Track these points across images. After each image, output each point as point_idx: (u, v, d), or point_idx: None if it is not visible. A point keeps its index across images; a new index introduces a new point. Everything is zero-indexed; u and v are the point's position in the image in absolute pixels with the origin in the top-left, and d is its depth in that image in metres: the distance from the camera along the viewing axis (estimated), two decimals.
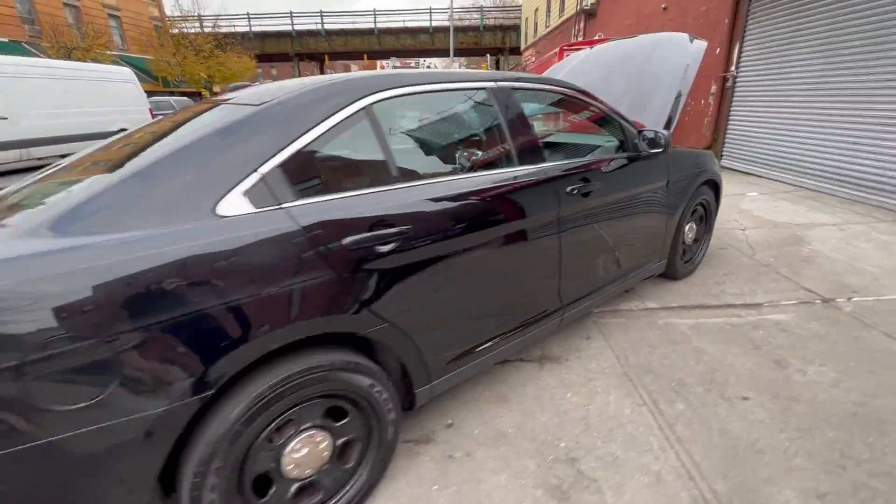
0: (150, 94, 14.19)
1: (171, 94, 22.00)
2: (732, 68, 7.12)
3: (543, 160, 1.93)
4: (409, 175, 1.55)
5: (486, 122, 1.88)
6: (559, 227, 1.95)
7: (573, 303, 2.20)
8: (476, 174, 1.70)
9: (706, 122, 7.87)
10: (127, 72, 12.32)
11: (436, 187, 1.56)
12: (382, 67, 17.59)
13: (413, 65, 17.80)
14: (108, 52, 20.36)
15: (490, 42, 32.42)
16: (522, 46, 28.56)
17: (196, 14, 29.83)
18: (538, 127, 2.95)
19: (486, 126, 1.88)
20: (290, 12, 32.44)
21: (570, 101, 2.29)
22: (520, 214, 1.77)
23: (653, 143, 2.43)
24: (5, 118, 9.01)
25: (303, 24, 32.90)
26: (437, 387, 1.71)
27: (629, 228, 2.45)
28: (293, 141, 1.33)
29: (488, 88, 1.86)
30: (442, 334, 1.63)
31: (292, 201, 1.28)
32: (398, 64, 17.70)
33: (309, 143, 1.35)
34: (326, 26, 33.02)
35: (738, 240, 4.00)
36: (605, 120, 2.40)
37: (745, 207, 5.08)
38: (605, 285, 2.41)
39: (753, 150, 6.82)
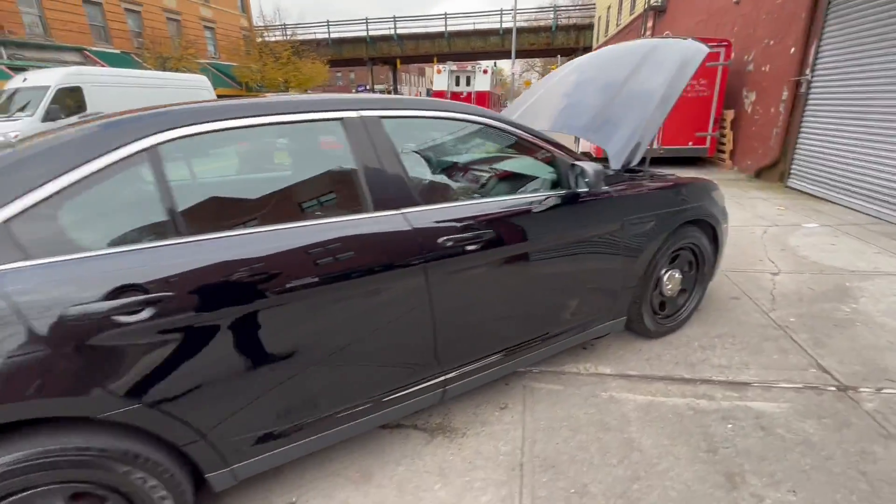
0: (232, 98, 15.43)
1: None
2: (808, 71, 6.00)
3: (405, 205, 1.60)
4: (199, 227, 1.33)
5: (330, 161, 1.60)
6: (429, 290, 1.61)
7: (460, 370, 1.84)
8: (289, 225, 1.43)
9: (774, 133, 6.75)
10: (202, 79, 13.45)
11: (223, 241, 1.32)
12: (439, 72, 17.60)
13: (469, 68, 17.52)
14: (201, 60, 22.54)
15: (563, 42, 31.17)
16: (594, 46, 27.11)
17: (281, 23, 32.11)
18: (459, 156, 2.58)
19: (331, 167, 1.60)
20: (366, 18, 33.74)
21: (483, 129, 1.92)
22: (338, 275, 1.45)
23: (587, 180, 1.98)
24: None
25: (377, 30, 34.11)
26: (244, 469, 1.47)
27: (554, 281, 2.02)
28: (31, 190, 1.16)
29: (344, 120, 1.57)
30: (231, 413, 1.39)
31: (12, 262, 1.11)
32: (455, 67, 17.55)
33: (53, 194, 1.18)
34: (399, 31, 33.92)
35: (761, 287, 3.27)
36: (530, 150, 2.00)
37: (794, 243, 4.20)
38: (518, 352, 2.01)
39: (825, 169, 5.69)
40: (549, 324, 2.09)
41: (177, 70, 18.16)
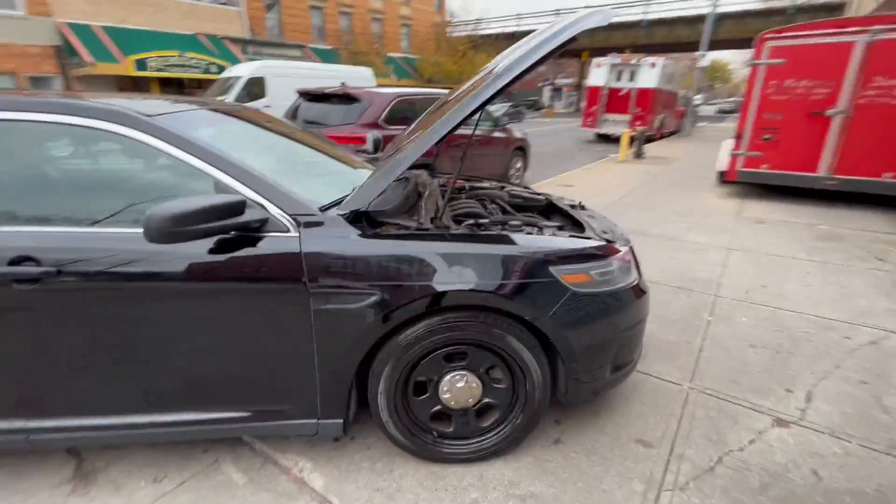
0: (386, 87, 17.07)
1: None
2: None
3: None
4: None
5: None
6: None
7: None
8: None
9: None
10: (368, 72, 15.03)
11: None
12: (598, 65, 15.68)
13: (634, 62, 15.08)
14: (391, 54, 25.31)
15: None
16: None
17: (474, 19, 33.55)
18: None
19: None
20: (558, 10, 32.53)
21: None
22: None
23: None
24: (269, 106, 12.50)
25: None
26: None
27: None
28: None
29: None
30: None
31: None
32: (617, 61, 15.37)
33: None
34: None
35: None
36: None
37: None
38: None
39: None
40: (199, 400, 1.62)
41: (364, 63, 20.77)
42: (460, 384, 1.68)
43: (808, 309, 3.11)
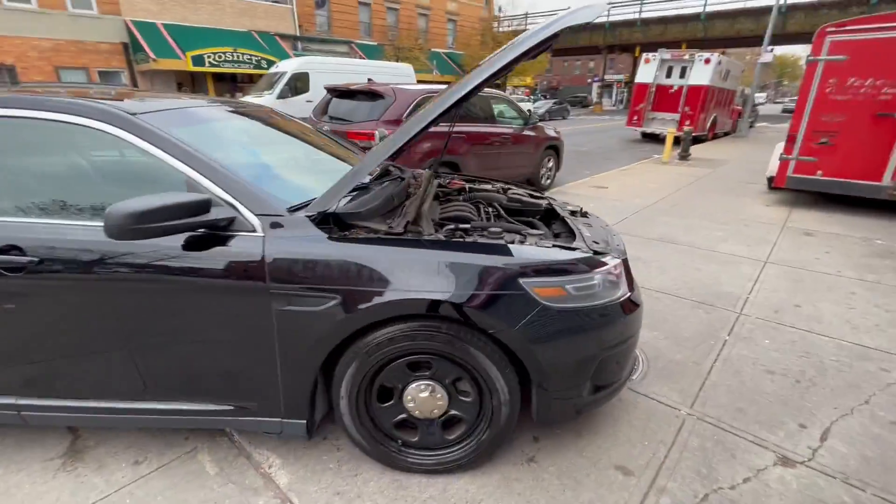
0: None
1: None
2: None
3: None
4: None
5: None
6: None
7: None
8: None
9: None
10: (408, 68, 15.14)
11: None
12: (647, 61, 14.89)
13: (687, 57, 14.20)
14: (436, 49, 25.33)
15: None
16: None
17: (523, 13, 32.92)
18: None
19: None
20: (609, 2, 31.33)
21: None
22: None
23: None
24: (311, 101, 12.86)
25: (619, 15, 31.34)
26: None
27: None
28: None
29: None
30: None
31: None
32: (668, 56, 14.51)
33: None
34: (644, 14, 30.33)
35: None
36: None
37: None
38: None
39: None
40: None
41: (408, 59, 20.91)
42: (424, 394, 1.64)
43: (844, 334, 2.80)
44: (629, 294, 1.77)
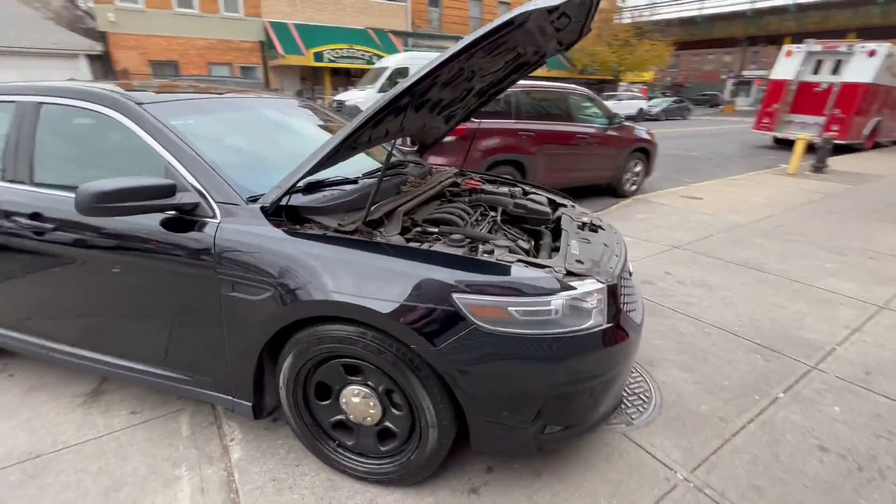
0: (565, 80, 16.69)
1: (587, 81, 24.05)
2: None
3: None
4: None
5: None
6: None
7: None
8: None
9: None
10: None
11: None
12: (789, 54, 12.59)
13: (844, 49, 11.70)
14: None
15: None
16: None
17: (648, 3, 30.32)
18: None
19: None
20: None
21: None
22: None
23: None
24: None
25: (766, 2, 27.21)
26: None
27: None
28: None
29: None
30: None
31: None
32: (817, 48, 12.09)
33: None
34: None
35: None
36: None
37: None
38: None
39: None
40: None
41: None
42: (356, 399, 1.59)
43: None
44: (608, 325, 1.52)
